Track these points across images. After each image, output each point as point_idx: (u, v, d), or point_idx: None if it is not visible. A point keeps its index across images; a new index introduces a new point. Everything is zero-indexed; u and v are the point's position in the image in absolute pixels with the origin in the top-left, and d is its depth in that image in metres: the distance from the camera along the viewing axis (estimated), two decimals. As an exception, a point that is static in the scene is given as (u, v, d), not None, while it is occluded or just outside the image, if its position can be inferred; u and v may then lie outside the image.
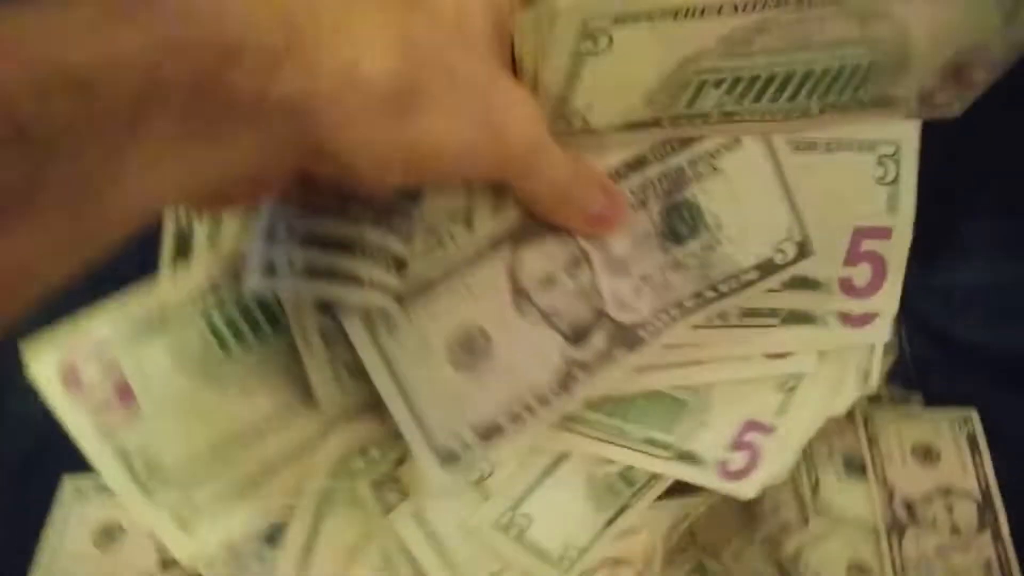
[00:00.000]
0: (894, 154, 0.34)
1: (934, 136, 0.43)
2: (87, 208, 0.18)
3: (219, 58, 0.19)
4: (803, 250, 0.33)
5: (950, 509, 0.44)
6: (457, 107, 0.23)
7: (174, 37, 0.18)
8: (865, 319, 0.35)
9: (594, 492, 0.36)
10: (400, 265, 0.29)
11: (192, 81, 0.18)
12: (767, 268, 0.33)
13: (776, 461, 0.34)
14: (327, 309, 0.31)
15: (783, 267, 0.33)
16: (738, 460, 0.34)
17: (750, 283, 0.33)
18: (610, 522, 0.35)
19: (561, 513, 0.36)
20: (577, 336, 0.32)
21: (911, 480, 0.45)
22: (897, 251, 0.35)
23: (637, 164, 0.31)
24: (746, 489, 0.33)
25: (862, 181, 0.34)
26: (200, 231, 0.36)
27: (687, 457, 0.35)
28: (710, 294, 0.33)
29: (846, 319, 0.35)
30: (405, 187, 0.27)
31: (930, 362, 0.50)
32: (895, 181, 0.34)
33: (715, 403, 0.35)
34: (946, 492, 0.45)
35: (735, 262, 0.33)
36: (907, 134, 0.34)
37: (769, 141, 0.32)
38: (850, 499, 0.45)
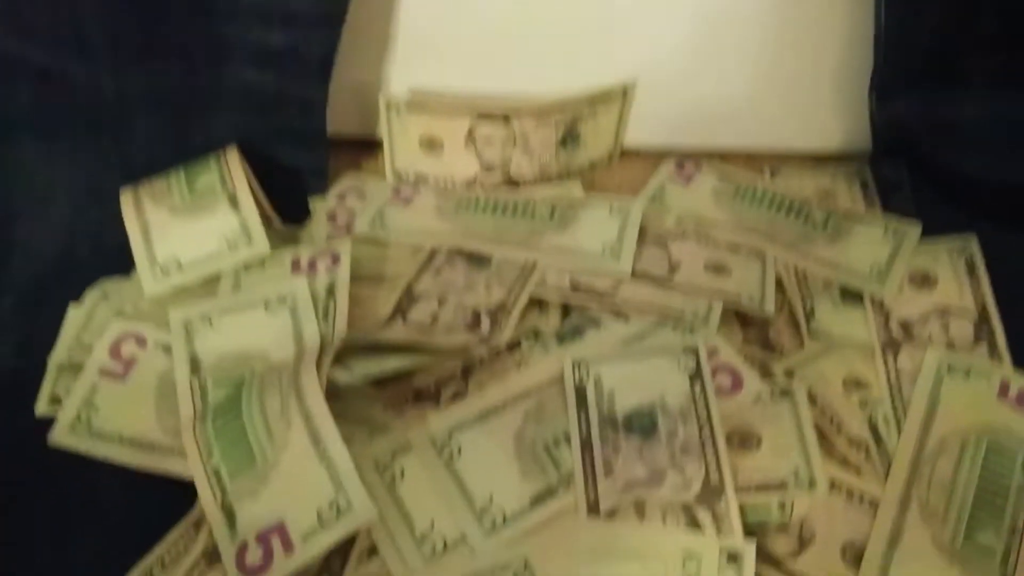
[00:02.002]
0: None
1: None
2: None
3: None
4: None
5: (946, 327, 0.44)
6: None
7: None
8: None
9: (520, 452, 0.38)
10: None
11: None
12: None
13: None
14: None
15: None
16: None
17: None
18: (536, 501, 0.37)
19: (488, 458, 0.38)
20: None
21: (907, 303, 0.45)
22: None
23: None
24: None
25: None
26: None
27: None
28: None
29: None
30: None
31: (931, 196, 0.50)
32: None
33: None
34: (943, 312, 0.45)
35: None
36: None
37: None
38: (846, 323, 0.45)
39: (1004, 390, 0.41)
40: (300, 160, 0.50)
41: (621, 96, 0.51)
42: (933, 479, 0.38)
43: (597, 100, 0.50)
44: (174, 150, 0.48)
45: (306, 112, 0.49)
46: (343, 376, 0.39)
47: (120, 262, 0.46)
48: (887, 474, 0.39)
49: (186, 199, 0.47)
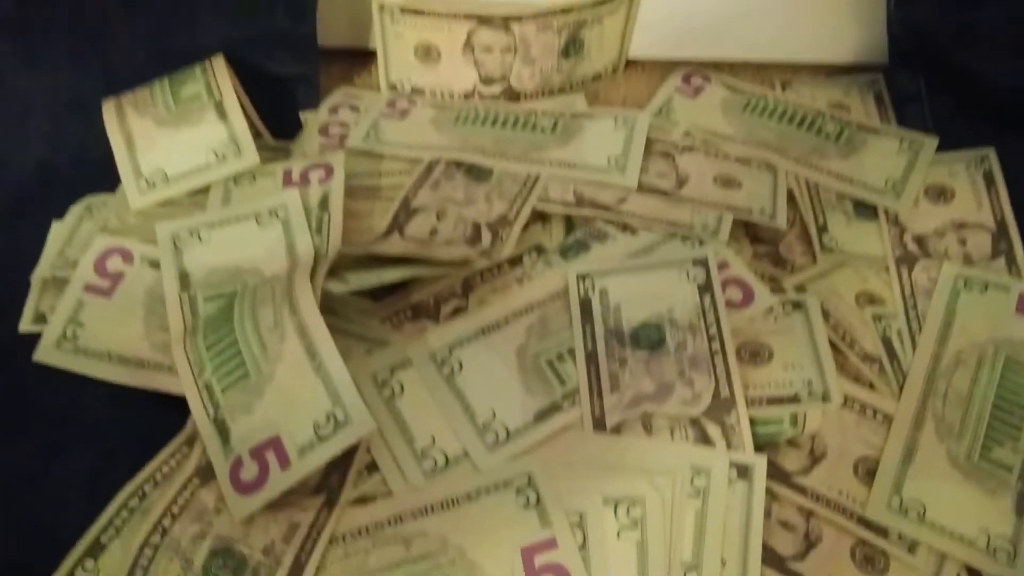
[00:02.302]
0: None
1: None
2: None
3: None
4: None
5: (963, 242, 0.43)
6: None
7: None
8: None
9: (523, 368, 0.37)
10: None
11: None
12: None
13: None
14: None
15: None
16: None
17: None
18: (540, 417, 0.36)
19: (490, 374, 0.37)
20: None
21: (923, 218, 0.44)
22: None
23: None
24: None
25: None
26: None
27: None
28: None
29: None
30: None
31: (948, 107, 0.48)
32: None
33: None
34: (960, 226, 0.43)
35: None
36: None
37: None
38: (859, 238, 0.44)
39: (1022, 304, 0.40)
40: (290, 68, 0.48)
41: None
42: (949, 394, 0.37)
43: (602, 3, 0.48)
44: (158, 58, 0.46)
45: (295, 14, 0.46)
46: (338, 287, 0.38)
47: (104, 176, 0.44)
48: (901, 389, 0.38)
49: (171, 109, 0.45)
